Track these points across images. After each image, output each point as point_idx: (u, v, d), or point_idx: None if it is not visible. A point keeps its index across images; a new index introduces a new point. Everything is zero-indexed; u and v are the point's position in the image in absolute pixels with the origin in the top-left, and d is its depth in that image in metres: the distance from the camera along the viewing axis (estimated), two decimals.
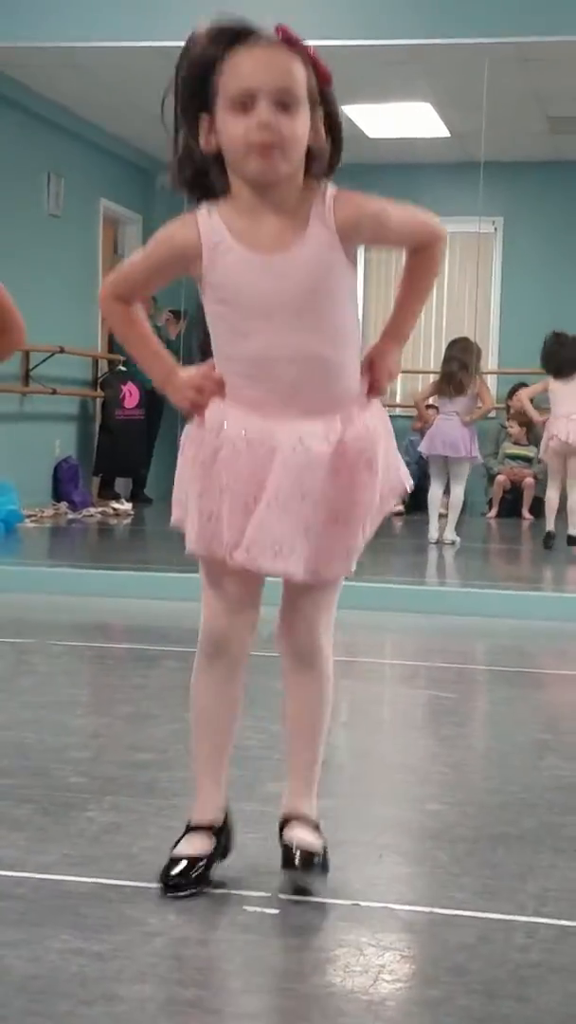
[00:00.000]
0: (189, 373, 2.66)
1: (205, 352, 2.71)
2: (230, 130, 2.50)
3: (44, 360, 10.80)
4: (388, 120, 10.95)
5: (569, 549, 9.13)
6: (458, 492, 9.47)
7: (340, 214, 2.56)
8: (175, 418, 10.77)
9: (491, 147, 9.13)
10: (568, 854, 3.02)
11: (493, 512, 11.71)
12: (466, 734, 4.40)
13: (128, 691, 4.71)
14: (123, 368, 12.01)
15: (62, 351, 10.93)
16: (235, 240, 2.55)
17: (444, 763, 3.84)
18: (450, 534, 9.42)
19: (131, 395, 11.87)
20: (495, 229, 12.35)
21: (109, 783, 3.45)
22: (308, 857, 2.68)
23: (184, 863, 2.68)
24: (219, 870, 2.74)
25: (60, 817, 3.14)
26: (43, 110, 10.74)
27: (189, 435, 2.67)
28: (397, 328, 2.74)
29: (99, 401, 12.03)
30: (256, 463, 2.57)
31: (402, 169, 11.43)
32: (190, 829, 2.74)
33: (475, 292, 11.40)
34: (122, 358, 12.06)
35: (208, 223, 2.56)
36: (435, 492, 9.52)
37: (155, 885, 2.66)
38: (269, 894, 2.66)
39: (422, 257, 2.69)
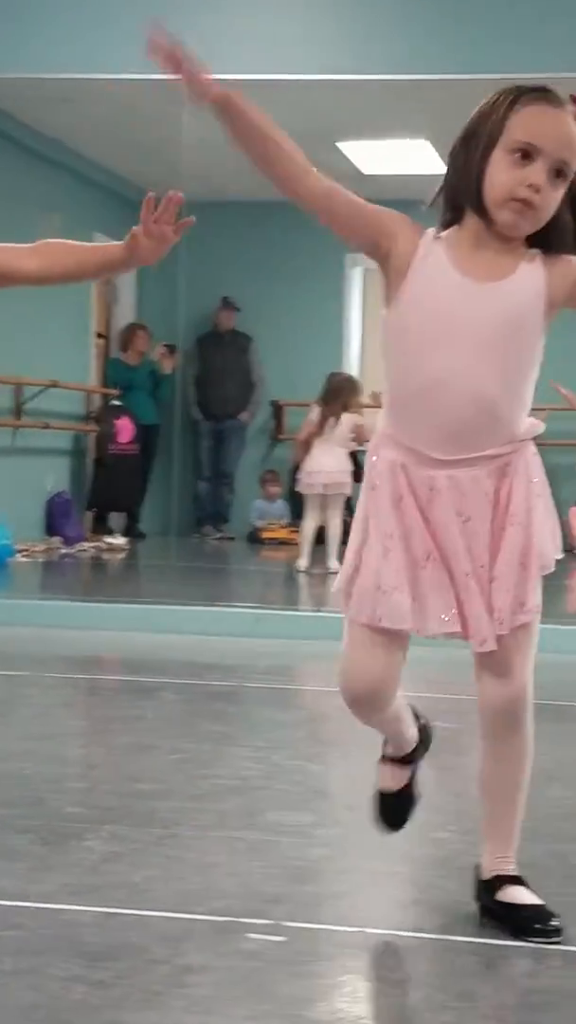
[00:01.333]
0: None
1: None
2: (499, 174, 2.50)
3: (37, 394, 10.76)
4: (384, 157, 10.92)
5: None
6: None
7: (555, 268, 2.57)
8: (169, 453, 10.77)
9: None
10: (575, 881, 2.97)
11: None
12: (467, 763, 4.32)
13: (125, 722, 4.65)
14: (117, 403, 11.98)
15: (55, 385, 10.89)
16: (449, 262, 2.55)
17: (448, 792, 3.78)
18: (332, 563, 9.07)
19: (125, 430, 11.81)
20: None
21: (108, 813, 3.39)
22: (544, 911, 2.62)
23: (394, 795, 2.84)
24: (220, 899, 2.72)
25: (59, 847, 3.09)
26: (36, 144, 10.74)
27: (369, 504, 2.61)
28: None
29: (93, 436, 11.99)
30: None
31: (398, 206, 11.28)
32: (386, 759, 2.86)
33: None
34: (116, 392, 12.02)
35: (428, 238, 2.58)
36: None
37: (158, 914, 2.62)
38: (273, 922, 2.61)
39: None
